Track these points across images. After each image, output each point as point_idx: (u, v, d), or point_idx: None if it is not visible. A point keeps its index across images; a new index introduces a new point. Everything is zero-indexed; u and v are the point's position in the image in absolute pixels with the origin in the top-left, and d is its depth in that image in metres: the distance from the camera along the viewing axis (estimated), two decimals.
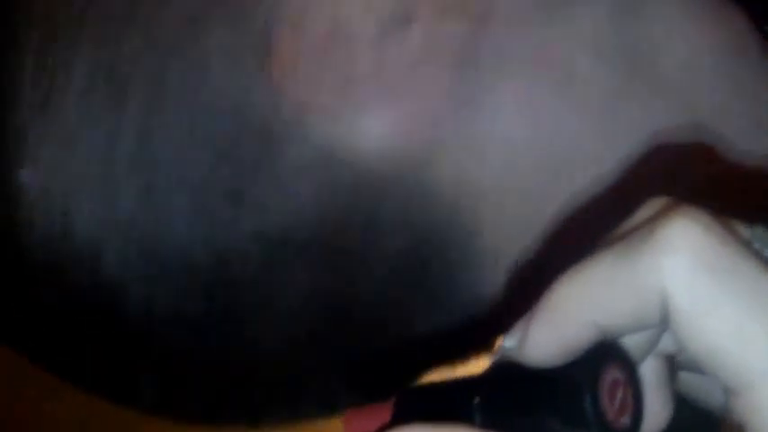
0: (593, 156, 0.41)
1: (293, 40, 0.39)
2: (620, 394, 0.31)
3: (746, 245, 0.29)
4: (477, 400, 0.31)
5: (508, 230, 0.41)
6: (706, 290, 0.28)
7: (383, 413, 0.32)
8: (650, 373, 0.32)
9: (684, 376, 0.33)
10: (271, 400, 0.44)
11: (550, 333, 0.30)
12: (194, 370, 0.42)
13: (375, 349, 0.42)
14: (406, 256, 0.40)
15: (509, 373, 0.31)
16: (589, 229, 0.41)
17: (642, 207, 0.31)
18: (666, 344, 0.32)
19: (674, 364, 0.33)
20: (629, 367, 0.31)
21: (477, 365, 0.32)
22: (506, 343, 0.31)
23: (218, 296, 0.40)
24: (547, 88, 0.40)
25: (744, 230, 0.31)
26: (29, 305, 0.42)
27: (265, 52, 0.39)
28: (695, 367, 0.31)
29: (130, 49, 0.39)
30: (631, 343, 0.31)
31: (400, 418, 0.32)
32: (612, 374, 0.31)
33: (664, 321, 0.29)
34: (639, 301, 0.29)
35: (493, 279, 0.41)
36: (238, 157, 0.38)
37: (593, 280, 0.30)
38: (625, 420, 0.31)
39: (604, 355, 0.31)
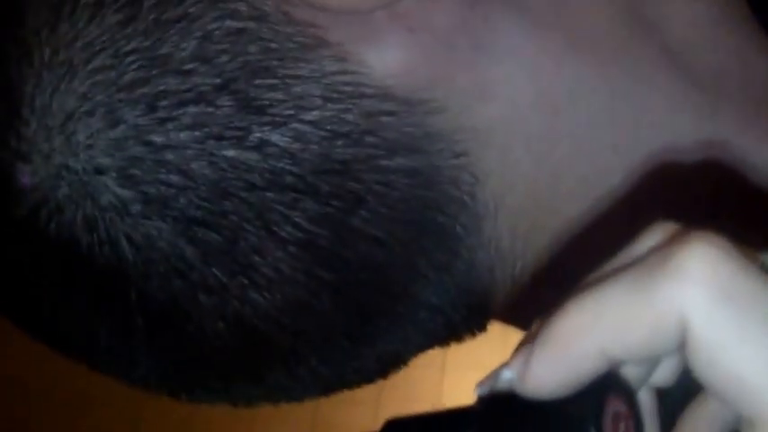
0: (597, 107, 0.40)
1: None
2: (622, 427, 0.30)
3: (764, 270, 0.29)
4: None
5: (510, 179, 0.40)
6: (727, 320, 0.28)
7: None
8: (644, 404, 0.31)
9: None
10: (266, 370, 0.42)
11: (556, 364, 0.29)
12: (187, 331, 0.40)
13: (378, 316, 0.41)
14: (408, 200, 0.39)
15: (507, 406, 0.30)
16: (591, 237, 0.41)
17: (645, 232, 0.30)
18: (659, 376, 0.31)
19: (662, 398, 0.32)
20: (630, 398, 0.30)
21: (468, 398, 0.31)
22: (504, 373, 0.30)
23: (216, 233, 0.38)
24: (558, 36, 0.40)
25: (758, 255, 0.30)
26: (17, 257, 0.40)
27: None
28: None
29: None
30: (629, 373, 0.31)
31: None
32: (615, 406, 0.30)
33: (678, 350, 0.29)
34: (656, 331, 0.29)
35: (492, 234, 0.40)
36: (244, 90, 0.37)
37: (604, 308, 0.29)
38: None
39: (606, 385, 0.30)
